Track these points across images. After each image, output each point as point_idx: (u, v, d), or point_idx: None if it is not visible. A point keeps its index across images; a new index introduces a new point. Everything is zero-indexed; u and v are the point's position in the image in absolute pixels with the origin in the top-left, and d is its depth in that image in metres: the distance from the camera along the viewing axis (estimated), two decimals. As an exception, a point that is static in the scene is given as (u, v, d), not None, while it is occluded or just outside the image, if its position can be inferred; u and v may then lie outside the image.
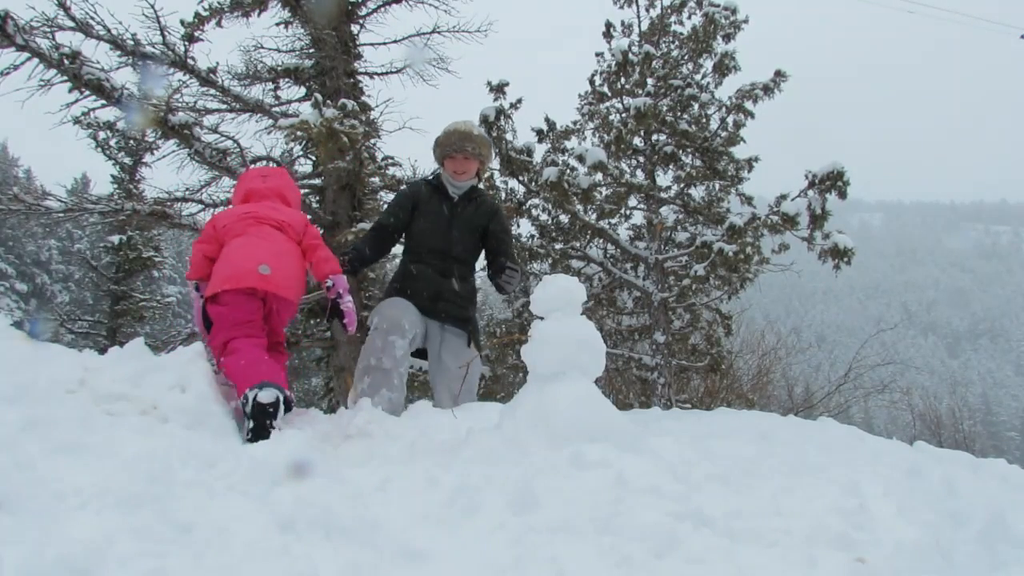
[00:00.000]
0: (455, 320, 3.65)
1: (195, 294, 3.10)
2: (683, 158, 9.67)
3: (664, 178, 9.94)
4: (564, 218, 9.08)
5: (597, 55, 10.11)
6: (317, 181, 7.45)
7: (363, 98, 7.34)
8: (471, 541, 1.59)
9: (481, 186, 3.90)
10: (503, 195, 8.85)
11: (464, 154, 3.63)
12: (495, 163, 8.09)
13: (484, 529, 1.64)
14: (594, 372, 2.49)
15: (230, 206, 3.38)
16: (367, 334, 3.48)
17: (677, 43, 9.89)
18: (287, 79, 7.41)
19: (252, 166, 6.56)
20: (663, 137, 9.55)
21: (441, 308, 3.62)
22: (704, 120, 9.63)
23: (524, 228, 9.44)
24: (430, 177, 3.88)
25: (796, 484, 2.11)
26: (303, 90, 7.48)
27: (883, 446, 3.18)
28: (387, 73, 7.55)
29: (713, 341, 9.64)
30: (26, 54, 5.30)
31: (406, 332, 3.38)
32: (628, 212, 10.11)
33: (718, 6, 9.23)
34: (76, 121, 6.12)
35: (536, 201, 8.98)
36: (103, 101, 5.88)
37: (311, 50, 7.27)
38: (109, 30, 5.84)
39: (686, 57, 9.79)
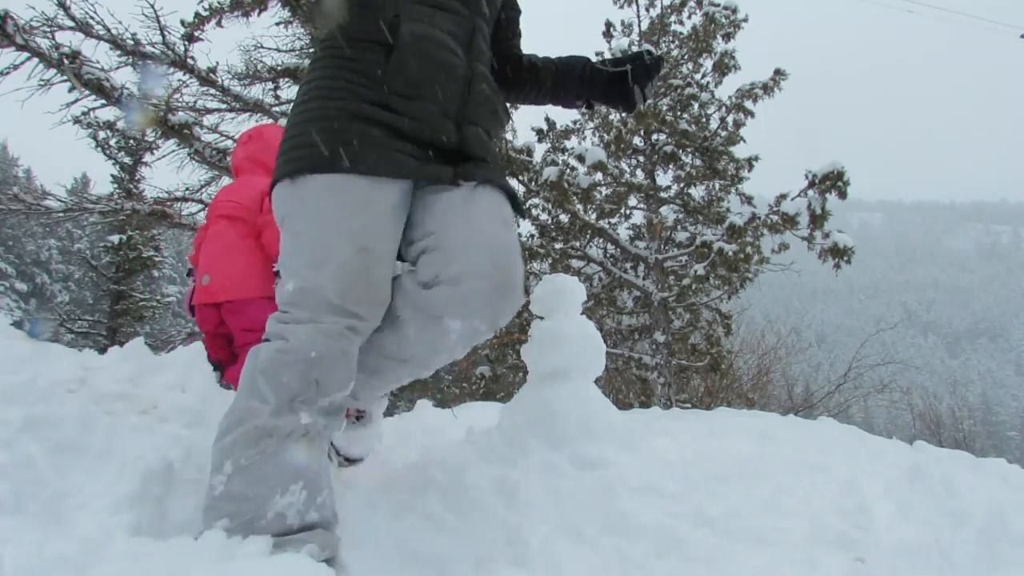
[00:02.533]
0: (492, 165, 1.60)
1: (189, 279, 3.17)
2: (683, 158, 9.67)
3: (664, 178, 9.96)
4: (564, 218, 9.08)
5: (597, 55, 10.11)
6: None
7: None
8: (470, 541, 1.59)
9: None
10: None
11: None
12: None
13: (483, 529, 1.64)
14: (594, 372, 2.49)
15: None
16: None
17: (677, 42, 9.90)
18: (287, 79, 7.40)
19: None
20: (663, 137, 9.55)
21: (472, 131, 1.56)
22: (704, 119, 9.64)
23: (524, 228, 9.46)
24: None
25: (796, 484, 2.11)
26: (303, 90, 7.47)
27: (883, 446, 3.17)
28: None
29: (713, 341, 9.64)
30: (26, 54, 5.30)
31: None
32: (628, 212, 10.12)
33: (718, 5, 9.24)
34: (76, 121, 6.13)
35: (536, 201, 8.98)
36: (103, 101, 5.88)
37: (311, 50, 7.27)
38: (109, 30, 5.83)
39: (686, 56, 9.80)
